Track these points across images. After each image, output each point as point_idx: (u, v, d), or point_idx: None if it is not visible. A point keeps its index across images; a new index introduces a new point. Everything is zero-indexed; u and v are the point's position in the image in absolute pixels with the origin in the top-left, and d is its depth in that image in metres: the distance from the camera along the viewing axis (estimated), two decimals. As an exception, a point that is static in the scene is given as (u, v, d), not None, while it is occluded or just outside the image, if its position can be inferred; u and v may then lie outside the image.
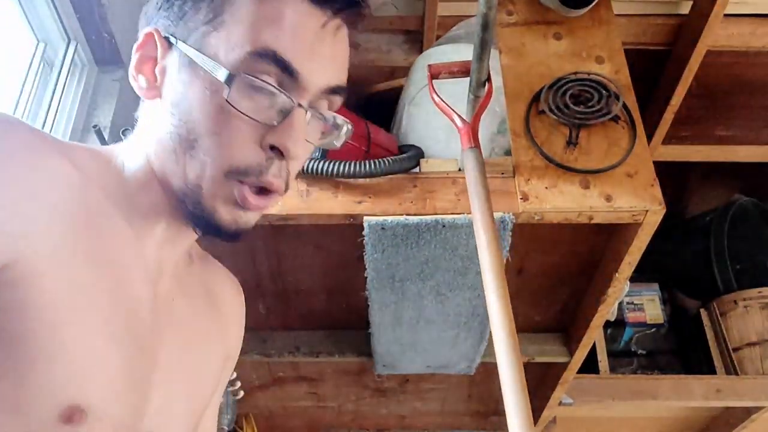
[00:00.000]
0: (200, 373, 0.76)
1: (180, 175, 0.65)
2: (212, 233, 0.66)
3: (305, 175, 1.37)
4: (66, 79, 1.45)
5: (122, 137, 1.40)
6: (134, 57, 0.71)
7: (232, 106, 0.62)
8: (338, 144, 0.70)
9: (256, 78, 0.62)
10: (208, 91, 0.63)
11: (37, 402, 0.54)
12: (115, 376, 0.60)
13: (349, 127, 0.70)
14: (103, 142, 1.41)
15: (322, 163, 1.36)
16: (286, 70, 0.62)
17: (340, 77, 0.67)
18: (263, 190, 0.65)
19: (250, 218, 0.67)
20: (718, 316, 2.82)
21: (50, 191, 0.57)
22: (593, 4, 1.51)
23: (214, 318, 0.79)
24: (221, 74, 0.61)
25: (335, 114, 0.68)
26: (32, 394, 0.54)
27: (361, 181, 1.38)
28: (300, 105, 0.63)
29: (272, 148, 0.63)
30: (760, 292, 2.74)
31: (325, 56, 0.64)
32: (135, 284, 0.65)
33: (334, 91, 0.66)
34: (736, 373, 2.69)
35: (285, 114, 0.63)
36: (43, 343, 0.54)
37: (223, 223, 0.65)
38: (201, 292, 0.78)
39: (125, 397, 0.61)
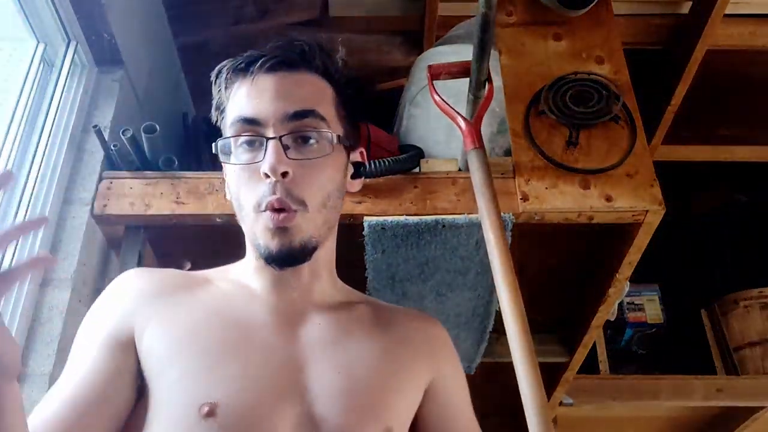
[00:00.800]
0: (360, 362, 0.87)
1: (248, 233, 0.89)
2: (274, 262, 0.85)
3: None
4: (66, 79, 1.45)
5: (122, 137, 1.40)
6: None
7: (229, 163, 0.86)
8: (328, 150, 0.86)
9: (230, 136, 0.86)
10: (230, 173, 0.89)
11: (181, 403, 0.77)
12: (235, 384, 0.78)
13: (330, 135, 0.87)
14: (103, 142, 1.42)
15: (322, 163, 1.36)
16: (250, 122, 0.85)
17: (294, 104, 0.85)
18: (279, 210, 0.83)
19: (289, 238, 0.83)
20: (719, 316, 2.82)
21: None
22: (593, 4, 1.51)
23: (380, 333, 0.93)
24: (214, 148, 0.88)
25: (317, 131, 0.86)
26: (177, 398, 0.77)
27: (361, 181, 1.38)
28: (269, 138, 0.83)
29: (265, 176, 0.83)
30: (760, 291, 2.74)
31: (269, 97, 0.85)
32: (260, 332, 0.86)
33: (296, 115, 0.85)
34: (737, 373, 2.69)
35: (265, 148, 0.83)
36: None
37: (273, 248, 0.83)
38: (360, 320, 0.94)
39: (249, 394, 0.78)
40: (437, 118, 1.43)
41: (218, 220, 1.37)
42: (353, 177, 0.96)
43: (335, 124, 0.89)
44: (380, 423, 0.82)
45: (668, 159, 2.54)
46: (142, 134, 1.42)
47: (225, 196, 0.95)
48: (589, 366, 2.58)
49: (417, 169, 1.43)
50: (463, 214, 1.34)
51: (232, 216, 1.37)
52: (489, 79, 1.27)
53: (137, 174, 1.42)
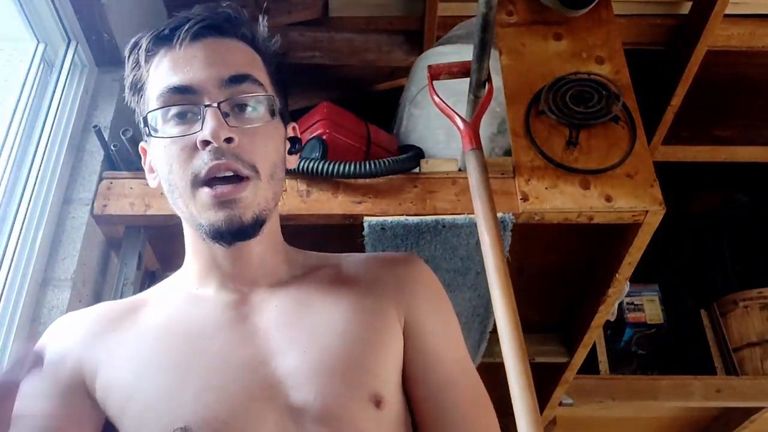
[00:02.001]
0: (326, 331, 0.80)
1: (184, 216, 0.83)
2: (222, 238, 0.78)
3: (305, 175, 1.37)
4: (66, 79, 1.45)
5: (122, 137, 1.40)
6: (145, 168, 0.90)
7: (158, 136, 0.80)
8: (268, 117, 0.81)
9: (161, 107, 0.79)
10: (159, 148, 0.81)
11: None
12: (202, 400, 0.72)
13: (271, 99, 0.82)
14: (102, 142, 1.42)
15: (321, 163, 1.36)
16: (181, 90, 0.79)
17: (230, 69, 0.80)
18: (227, 180, 0.77)
19: (239, 211, 0.77)
20: (718, 316, 2.82)
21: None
22: (593, 4, 1.51)
23: (347, 292, 0.85)
24: (141, 122, 0.82)
25: (254, 95, 0.81)
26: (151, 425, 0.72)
27: (361, 181, 1.38)
28: (206, 105, 0.77)
29: (204, 144, 0.77)
30: (760, 292, 2.74)
31: (200, 64, 0.79)
32: (215, 336, 0.79)
33: (233, 80, 0.79)
34: (736, 374, 2.69)
35: (203, 117, 0.77)
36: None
37: (218, 224, 0.77)
38: (320, 285, 0.86)
39: (219, 406, 0.72)
40: (437, 118, 1.42)
41: (218, 220, 1.37)
42: (290, 153, 0.89)
43: (271, 91, 0.84)
44: (364, 391, 0.75)
45: (668, 159, 2.54)
46: (142, 134, 1.42)
47: (150, 183, 0.88)
48: (589, 366, 2.58)
49: (417, 169, 1.43)
50: (463, 214, 1.34)
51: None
52: (489, 79, 1.27)
53: (137, 174, 1.42)
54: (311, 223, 1.36)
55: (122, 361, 0.78)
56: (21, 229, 1.26)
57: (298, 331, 0.79)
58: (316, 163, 1.36)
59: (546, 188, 1.34)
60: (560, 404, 2.26)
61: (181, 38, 0.80)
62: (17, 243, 1.24)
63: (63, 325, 0.85)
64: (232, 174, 0.77)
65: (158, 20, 1.86)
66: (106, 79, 1.53)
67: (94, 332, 0.82)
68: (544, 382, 2.11)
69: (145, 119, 0.81)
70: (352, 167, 1.35)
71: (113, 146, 1.41)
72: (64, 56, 1.46)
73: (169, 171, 0.80)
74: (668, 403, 2.59)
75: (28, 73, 1.40)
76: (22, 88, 1.38)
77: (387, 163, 1.38)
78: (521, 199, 1.34)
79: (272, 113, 0.82)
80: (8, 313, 1.19)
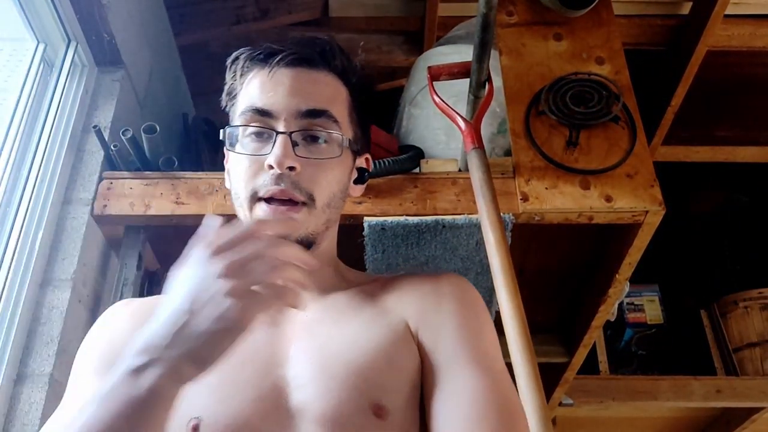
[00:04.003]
0: (338, 341, 0.81)
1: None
2: None
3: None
4: (66, 79, 1.45)
5: (122, 137, 1.40)
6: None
7: (234, 151, 0.86)
8: (336, 153, 0.86)
9: (239, 125, 0.85)
10: (234, 161, 0.88)
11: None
12: (217, 394, 0.75)
13: (340, 137, 0.86)
14: (102, 142, 1.42)
15: (322, 163, 1.36)
16: (261, 113, 0.85)
17: (309, 102, 0.85)
18: (283, 202, 0.82)
19: (286, 230, 0.79)
20: (718, 316, 2.82)
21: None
22: (593, 4, 1.51)
23: (371, 306, 0.87)
24: (221, 134, 0.88)
25: (328, 132, 0.86)
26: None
27: (361, 181, 1.38)
28: (279, 132, 0.83)
29: (269, 167, 0.82)
30: (760, 292, 2.74)
31: (284, 92, 0.85)
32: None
33: (310, 113, 0.85)
34: (736, 374, 2.69)
35: (274, 142, 0.83)
36: None
37: None
38: (351, 300, 0.89)
39: (231, 402, 0.75)
40: (437, 118, 1.43)
41: (218, 220, 1.37)
42: (356, 182, 0.94)
43: (346, 127, 0.88)
44: (364, 399, 0.75)
45: (668, 159, 2.54)
46: (142, 134, 1.42)
47: (225, 183, 0.94)
48: (589, 366, 2.58)
49: (417, 170, 1.43)
50: (464, 214, 1.34)
51: (232, 216, 1.37)
52: (489, 80, 1.27)
53: (137, 174, 1.42)
54: (311, 223, 1.36)
55: None
56: (21, 229, 1.26)
57: (314, 340, 0.81)
58: (316, 163, 1.36)
59: (546, 188, 1.34)
60: (560, 404, 2.27)
61: (273, 65, 0.86)
62: (17, 243, 1.24)
63: (120, 306, 0.89)
64: (287, 199, 0.83)
65: (158, 20, 1.86)
66: (106, 79, 1.53)
67: (145, 318, 0.85)
68: (544, 382, 2.11)
69: (228, 131, 0.88)
70: (352, 167, 1.35)
71: (113, 146, 1.41)
72: (64, 56, 1.46)
73: (236, 181, 0.86)
74: (668, 403, 2.59)
75: (28, 73, 1.40)
76: (22, 88, 1.38)
77: (387, 163, 1.38)
78: (521, 199, 1.34)
79: (341, 149, 0.86)
80: (8, 313, 1.19)
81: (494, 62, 1.36)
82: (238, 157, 0.86)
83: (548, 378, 2.08)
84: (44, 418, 1.15)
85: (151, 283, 1.47)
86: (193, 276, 0.67)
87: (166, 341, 0.63)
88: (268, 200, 0.83)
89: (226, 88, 0.93)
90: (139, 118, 1.59)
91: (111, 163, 1.43)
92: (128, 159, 1.43)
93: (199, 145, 1.83)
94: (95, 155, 1.43)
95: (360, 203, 1.36)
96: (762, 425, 2.69)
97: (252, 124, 0.85)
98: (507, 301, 0.99)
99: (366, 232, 1.35)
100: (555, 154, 1.38)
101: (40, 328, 1.23)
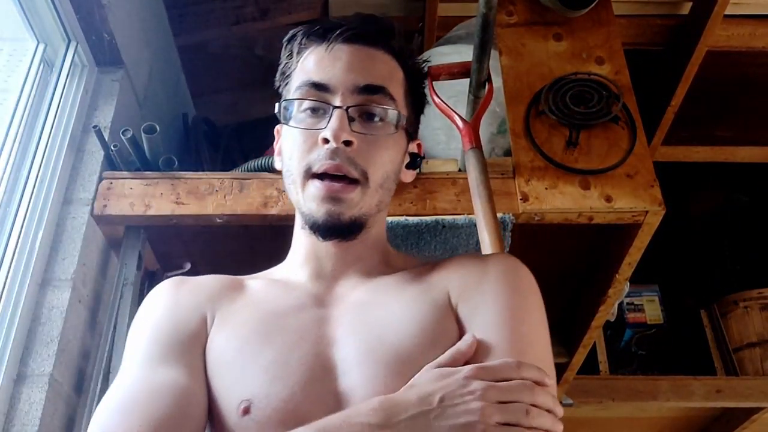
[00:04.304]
0: (383, 323, 0.80)
1: (294, 202, 0.87)
2: (322, 232, 0.83)
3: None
4: (66, 79, 1.45)
5: (122, 137, 1.40)
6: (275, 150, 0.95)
7: (289, 125, 0.85)
8: (392, 130, 0.85)
9: (296, 98, 0.85)
10: (288, 136, 0.87)
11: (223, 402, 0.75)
12: (269, 375, 0.75)
13: (397, 114, 0.85)
14: (102, 142, 1.42)
15: (322, 163, 1.36)
16: (318, 87, 0.84)
17: (367, 78, 0.84)
18: (337, 178, 0.81)
19: (340, 209, 0.81)
20: (718, 316, 2.82)
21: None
22: (593, 4, 1.51)
23: (416, 286, 0.86)
24: (276, 108, 0.87)
25: (384, 108, 0.84)
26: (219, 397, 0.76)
27: (361, 181, 1.38)
28: (335, 107, 0.82)
29: (324, 141, 0.81)
30: (760, 292, 2.74)
31: (342, 67, 0.84)
32: (295, 316, 0.83)
33: (367, 89, 0.84)
34: (736, 374, 2.69)
35: (330, 117, 0.82)
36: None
37: (319, 218, 0.81)
38: (399, 283, 0.87)
39: (281, 383, 0.74)
40: (437, 118, 1.42)
41: (218, 220, 1.37)
42: (408, 167, 0.93)
43: (402, 106, 0.87)
44: (409, 381, 0.73)
45: (668, 159, 2.54)
46: (142, 134, 1.42)
47: (274, 165, 0.93)
48: (589, 366, 2.58)
49: (417, 170, 1.43)
50: (464, 214, 1.34)
51: (232, 216, 1.38)
52: (489, 80, 1.27)
53: (137, 174, 1.42)
54: (311, 223, 1.36)
55: (223, 327, 0.82)
56: (21, 229, 1.26)
57: (360, 323, 0.80)
58: (316, 163, 1.36)
59: (546, 188, 1.34)
60: (560, 404, 2.26)
61: (331, 40, 0.85)
62: (17, 243, 1.24)
63: (185, 282, 0.89)
64: (342, 175, 0.81)
65: (158, 20, 1.86)
66: (106, 79, 1.53)
67: (215, 294, 0.86)
68: (544, 382, 2.11)
69: (283, 105, 0.87)
70: (352, 167, 1.35)
71: (113, 146, 1.41)
72: (64, 56, 1.46)
73: (289, 157, 0.85)
74: (668, 403, 2.59)
75: (28, 73, 1.40)
76: (22, 88, 1.38)
77: (387, 163, 1.37)
78: (521, 199, 1.34)
79: (396, 127, 0.85)
80: (8, 313, 1.19)
81: (494, 62, 1.36)
82: (291, 132, 0.85)
83: (548, 378, 2.08)
84: (44, 418, 1.15)
85: (151, 283, 1.47)
86: (448, 380, 0.68)
87: (405, 416, 0.66)
88: (321, 177, 0.81)
89: (280, 68, 0.92)
90: (139, 118, 1.59)
91: (111, 163, 1.44)
92: (128, 159, 1.43)
93: (199, 145, 1.83)
94: (95, 155, 1.43)
95: (360, 203, 1.36)
96: (762, 425, 2.69)
97: (308, 98, 0.84)
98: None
99: (366, 232, 1.35)
100: (555, 154, 1.38)
101: (40, 328, 1.23)
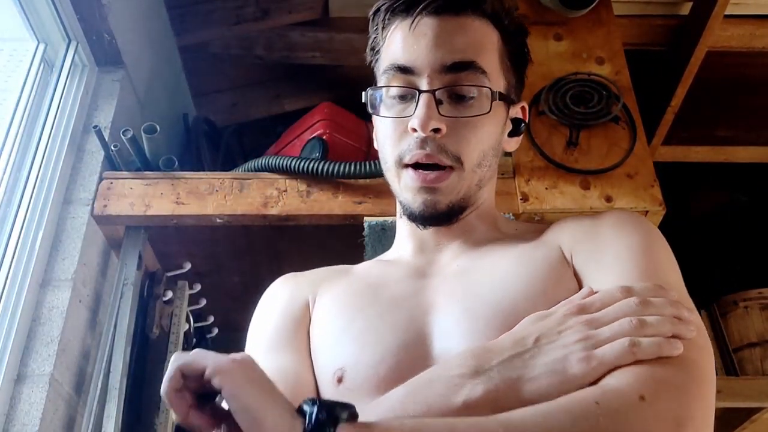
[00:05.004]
0: (484, 282, 0.77)
1: (393, 189, 0.84)
2: (420, 221, 0.81)
3: (305, 175, 1.37)
4: (66, 79, 1.45)
5: (122, 137, 1.41)
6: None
7: (377, 115, 0.82)
8: (485, 109, 0.78)
9: (384, 86, 0.81)
10: (378, 125, 0.84)
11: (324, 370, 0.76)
12: (359, 342, 0.75)
13: (489, 91, 0.79)
14: (102, 142, 1.42)
15: (322, 163, 1.36)
16: (403, 70, 0.79)
17: (453, 55, 0.78)
18: (429, 167, 0.78)
19: (436, 198, 0.79)
20: (718, 316, 2.82)
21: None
22: (593, 4, 1.51)
23: (525, 245, 0.81)
24: (363, 96, 0.83)
25: (476, 86, 0.79)
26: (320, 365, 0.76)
27: (361, 181, 1.38)
28: (422, 91, 0.77)
29: (413, 130, 0.77)
30: (760, 292, 2.74)
31: (426, 44, 0.78)
32: (391, 287, 0.81)
33: (454, 67, 0.78)
34: (736, 374, 2.69)
35: (417, 103, 0.77)
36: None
37: (415, 209, 0.79)
38: (505, 246, 0.83)
39: (372, 349, 0.73)
40: (437, 118, 1.42)
41: (218, 220, 1.37)
42: (511, 134, 0.87)
43: (497, 76, 0.81)
44: None
45: (668, 159, 2.54)
46: (143, 134, 1.42)
47: (374, 145, 0.91)
48: (589, 366, 2.57)
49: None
50: (464, 214, 1.34)
51: (232, 216, 1.38)
52: (489, 80, 1.27)
53: (137, 174, 1.42)
54: (311, 223, 1.36)
55: (322, 306, 0.82)
56: (21, 229, 1.26)
57: (462, 287, 0.77)
58: (317, 163, 1.36)
59: (546, 188, 1.34)
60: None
61: (415, 14, 0.80)
62: (17, 243, 1.24)
63: (292, 275, 0.91)
64: (434, 164, 0.78)
65: (158, 20, 1.86)
66: (106, 79, 1.53)
67: (318, 278, 0.87)
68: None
69: (369, 94, 0.83)
70: (352, 167, 1.35)
71: (113, 146, 1.41)
72: (64, 56, 1.46)
73: (382, 146, 0.83)
74: (668, 403, 2.59)
75: (28, 73, 1.40)
76: (22, 88, 1.38)
77: (387, 163, 1.37)
78: (521, 199, 1.34)
79: (490, 104, 0.79)
80: (8, 313, 1.19)
81: (494, 62, 1.36)
82: (382, 121, 0.82)
83: (548, 378, 2.08)
84: (44, 418, 1.15)
85: (151, 283, 1.47)
86: (545, 321, 0.66)
87: (498, 359, 0.63)
88: (415, 166, 0.78)
89: (369, 42, 0.88)
90: (140, 118, 1.59)
91: (111, 163, 1.44)
92: (128, 159, 1.43)
93: (199, 145, 1.83)
94: (95, 155, 1.43)
95: (360, 203, 1.36)
96: (762, 425, 2.69)
97: (393, 84, 0.80)
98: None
99: (366, 232, 1.35)
100: (555, 154, 1.38)
101: (40, 328, 1.23)
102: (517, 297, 0.72)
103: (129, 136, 1.39)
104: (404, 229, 0.88)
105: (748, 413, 2.63)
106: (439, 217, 0.80)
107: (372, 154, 1.56)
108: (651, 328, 0.61)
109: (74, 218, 1.35)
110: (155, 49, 1.79)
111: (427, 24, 0.80)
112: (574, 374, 0.60)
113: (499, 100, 0.80)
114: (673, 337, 0.61)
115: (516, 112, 0.87)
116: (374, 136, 0.89)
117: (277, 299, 0.86)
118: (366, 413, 0.58)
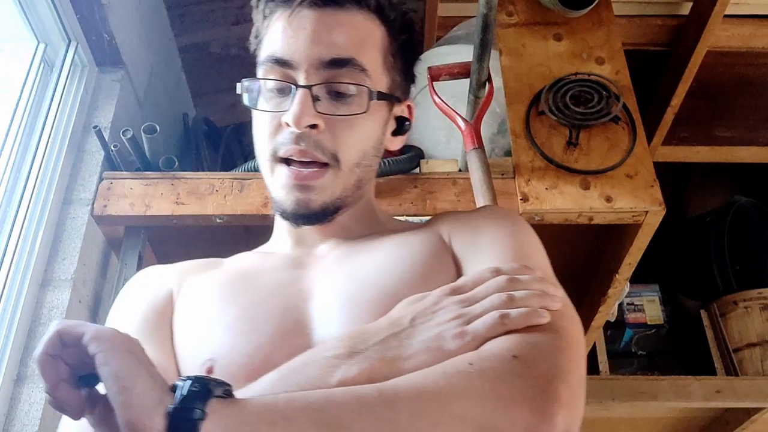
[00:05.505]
0: (363, 268, 0.76)
1: (267, 184, 0.81)
2: (293, 220, 0.79)
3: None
4: (66, 79, 1.45)
5: (122, 137, 1.41)
6: None
7: (253, 108, 0.78)
8: (363, 108, 0.76)
9: (261, 79, 0.78)
10: (254, 117, 0.80)
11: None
12: (232, 330, 0.72)
13: (368, 90, 0.77)
14: (102, 142, 1.42)
15: (322, 163, 1.36)
16: (281, 63, 0.76)
17: (332, 51, 0.76)
18: (305, 164, 0.76)
19: (309, 197, 0.77)
20: (718, 316, 2.82)
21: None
22: (593, 5, 1.51)
23: (405, 233, 0.82)
24: (239, 88, 0.80)
25: (354, 85, 0.76)
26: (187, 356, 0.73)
27: (361, 181, 1.38)
28: (298, 86, 0.74)
29: (287, 125, 0.75)
30: (760, 292, 2.74)
31: (305, 38, 0.76)
32: (267, 275, 0.79)
33: (333, 63, 0.75)
34: (736, 374, 2.69)
35: (292, 98, 0.75)
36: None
37: (287, 207, 0.77)
38: (384, 237, 0.82)
39: (246, 338, 0.71)
40: (437, 118, 1.42)
41: (218, 220, 1.37)
42: (394, 134, 0.85)
43: (379, 74, 0.79)
44: None
45: (668, 159, 2.54)
46: (143, 135, 1.42)
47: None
48: (589, 366, 2.56)
49: (417, 170, 1.43)
50: (463, 214, 1.34)
51: (232, 216, 1.38)
52: (489, 80, 1.27)
53: (137, 174, 1.42)
54: (311, 223, 1.36)
55: (188, 296, 0.79)
56: (21, 229, 1.26)
57: (341, 274, 0.76)
58: (316, 163, 1.36)
59: (546, 189, 1.34)
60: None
61: (295, 6, 0.77)
62: (17, 243, 1.24)
63: (156, 267, 0.87)
64: (309, 160, 0.76)
65: (158, 20, 1.86)
66: (106, 79, 1.53)
67: (185, 269, 0.83)
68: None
69: (245, 87, 0.80)
70: (352, 167, 1.35)
71: (113, 146, 1.41)
72: (64, 56, 1.46)
73: (257, 139, 0.80)
74: (668, 403, 2.59)
75: (28, 73, 1.40)
76: (22, 88, 1.38)
77: (387, 163, 1.38)
78: (521, 199, 1.34)
79: (368, 104, 0.77)
80: (8, 313, 1.19)
81: (494, 62, 1.36)
82: (258, 114, 0.79)
83: (548, 378, 2.07)
84: (44, 418, 1.15)
85: (151, 283, 1.47)
86: (421, 302, 0.66)
87: (374, 340, 0.62)
88: (288, 162, 0.76)
89: (253, 30, 0.85)
90: (139, 118, 1.59)
91: (111, 163, 1.44)
92: (128, 159, 1.43)
93: (199, 145, 1.83)
94: (95, 155, 1.43)
95: (360, 203, 1.36)
96: (762, 425, 2.69)
97: (270, 77, 0.77)
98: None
99: (366, 232, 1.35)
100: (555, 154, 1.38)
101: (40, 328, 1.23)
102: (398, 282, 0.72)
103: (129, 136, 1.39)
104: (281, 224, 0.85)
105: (748, 413, 2.63)
106: (312, 216, 0.78)
107: (372, 154, 1.56)
108: (520, 301, 0.63)
109: (74, 218, 1.35)
110: (155, 49, 1.79)
111: (307, 17, 0.76)
112: (450, 350, 0.61)
113: (380, 99, 0.78)
114: (541, 309, 0.63)
115: (401, 110, 0.85)
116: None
117: (139, 292, 0.81)
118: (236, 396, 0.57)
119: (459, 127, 1.22)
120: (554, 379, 0.58)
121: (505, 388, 0.57)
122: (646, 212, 1.32)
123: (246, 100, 0.80)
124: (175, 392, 0.52)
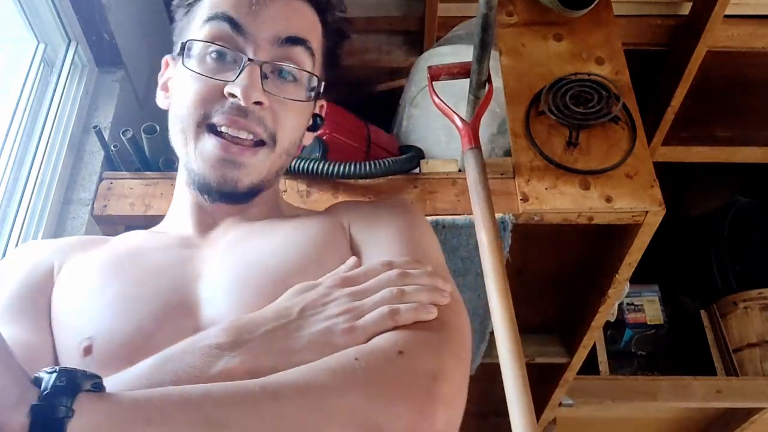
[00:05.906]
0: (255, 252, 0.74)
1: (179, 154, 0.78)
2: (208, 194, 0.76)
3: (305, 175, 1.37)
4: (66, 79, 1.45)
5: (122, 137, 1.40)
6: (159, 82, 0.86)
7: (189, 69, 0.74)
8: (304, 96, 0.77)
9: (205, 41, 0.74)
10: (184, 77, 0.76)
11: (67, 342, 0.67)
12: (111, 309, 0.68)
13: (314, 78, 0.77)
14: (103, 142, 1.42)
15: (321, 163, 1.36)
16: (234, 27, 0.73)
17: (290, 29, 0.75)
18: (239, 140, 0.73)
19: (238, 175, 0.74)
20: (718, 317, 2.82)
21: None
22: (593, 5, 1.51)
23: (303, 218, 0.82)
24: (177, 48, 0.77)
25: (297, 67, 0.76)
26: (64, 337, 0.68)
27: (361, 181, 1.38)
28: (251, 60, 0.72)
29: (230, 96, 0.72)
30: (760, 293, 2.74)
31: (263, 11, 0.74)
32: (155, 255, 0.76)
33: (289, 41, 0.75)
34: (736, 374, 2.69)
35: (241, 70, 0.72)
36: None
37: (212, 181, 0.74)
38: (281, 222, 0.81)
39: (127, 317, 0.67)
40: (437, 118, 1.42)
41: (218, 220, 1.37)
42: (309, 129, 0.84)
43: (319, 66, 0.80)
44: None
45: (668, 159, 2.54)
46: (143, 135, 1.42)
47: (157, 100, 0.84)
48: (589, 366, 2.58)
49: (417, 170, 1.43)
50: (464, 214, 1.34)
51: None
52: (489, 80, 1.27)
53: (137, 174, 1.42)
54: (311, 223, 1.36)
55: (69, 273, 0.75)
56: (21, 229, 1.26)
57: (232, 255, 0.74)
58: (316, 163, 1.36)
59: (546, 189, 1.34)
60: (560, 405, 2.26)
61: None
62: (17, 243, 1.24)
63: (38, 241, 0.84)
64: (246, 137, 0.73)
65: (158, 20, 1.86)
66: (106, 79, 1.53)
67: (69, 245, 0.79)
68: (544, 382, 2.11)
69: (184, 43, 0.76)
70: (352, 167, 1.35)
71: (113, 146, 1.41)
72: (64, 56, 1.46)
73: (182, 100, 0.76)
74: (668, 403, 2.59)
75: (28, 73, 1.40)
76: (22, 88, 1.38)
77: (387, 163, 1.38)
78: (521, 199, 1.34)
79: (309, 92, 0.78)
80: (8, 313, 1.19)
81: (494, 62, 1.36)
82: (190, 75, 0.74)
83: (548, 378, 2.08)
84: (44, 418, 1.15)
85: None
86: (309, 292, 0.65)
87: (259, 332, 0.60)
88: (219, 133, 0.73)
89: None
90: (139, 118, 1.59)
91: (111, 164, 1.44)
92: (128, 159, 1.43)
93: (199, 145, 1.83)
94: (95, 155, 1.43)
95: (360, 203, 1.36)
96: (762, 426, 2.69)
97: (218, 42, 0.74)
98: (498, 304, 0.99)
99: (366, 232, 1.35)
100: (555, 154, 1.38)
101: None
102: (290, 265, 0.71)
103: (129, 136, 1.39)
104: (184, 198, 0.82)
105: (748, 413, 2.64)
106: (235, 195, 0.75)
107: (372, 155, 1.56)
108: (409, 296, 0.63)
109: (74, 218, 1.35)
110: (155, 49, 1.79)
111: None
112: (338, 345, 0.60)
113: (318, 91, 0.79)
114: (430, 304, 0.64)
115: (319, 107, 0.86)
116: (163, 82, 0.83)
117: (15, 267, 0.76)
118: (107, 387, 0.53)
119: (457, 127, 1.23)
120: (438, 376, 0.58)
121: (389, 385, 0.57)
122: (646, 212, 1.32)
123: (180, 53, 0.76)
124: (38, 386, 0.49)
